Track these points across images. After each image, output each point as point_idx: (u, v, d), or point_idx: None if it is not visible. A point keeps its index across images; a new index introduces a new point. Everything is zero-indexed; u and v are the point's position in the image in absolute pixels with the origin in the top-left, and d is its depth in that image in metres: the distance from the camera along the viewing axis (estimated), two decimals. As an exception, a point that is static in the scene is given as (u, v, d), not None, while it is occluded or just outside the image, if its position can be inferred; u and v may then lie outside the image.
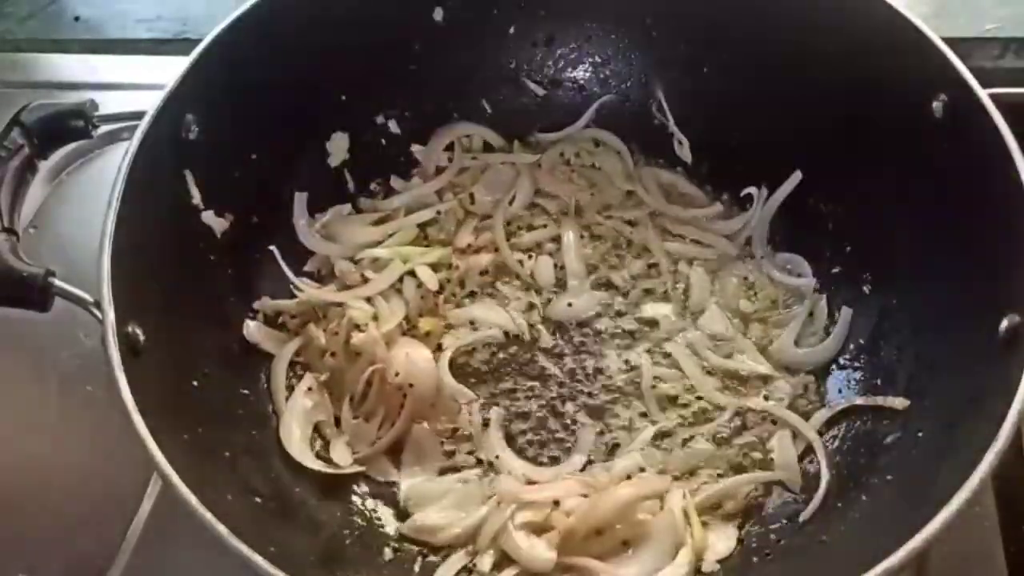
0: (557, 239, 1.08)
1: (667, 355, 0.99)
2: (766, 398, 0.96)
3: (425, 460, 0.93)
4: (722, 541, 0.87)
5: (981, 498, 0.87)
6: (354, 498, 0.91)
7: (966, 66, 0.85)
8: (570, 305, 1.02)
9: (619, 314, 1.03)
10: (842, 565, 0.73)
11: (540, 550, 0.83)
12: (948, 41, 0.87)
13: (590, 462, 0.92)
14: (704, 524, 0.87)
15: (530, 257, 1.07)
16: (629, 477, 0.90)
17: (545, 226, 1.10)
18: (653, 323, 1.02)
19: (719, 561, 0.85)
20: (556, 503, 0.86)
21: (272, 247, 1.02)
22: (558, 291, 1.05)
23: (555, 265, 1.06)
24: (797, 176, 1.05)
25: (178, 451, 0.72)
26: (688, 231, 1.09)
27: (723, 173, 1.11)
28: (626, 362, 0.99)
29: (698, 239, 1.09)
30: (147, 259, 0.83)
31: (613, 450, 0.93)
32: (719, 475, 0.91)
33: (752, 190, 1.08)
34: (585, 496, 0.87)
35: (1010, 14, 1.30)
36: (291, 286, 1.02)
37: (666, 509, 0.86)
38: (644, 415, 0.95)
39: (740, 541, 0.87)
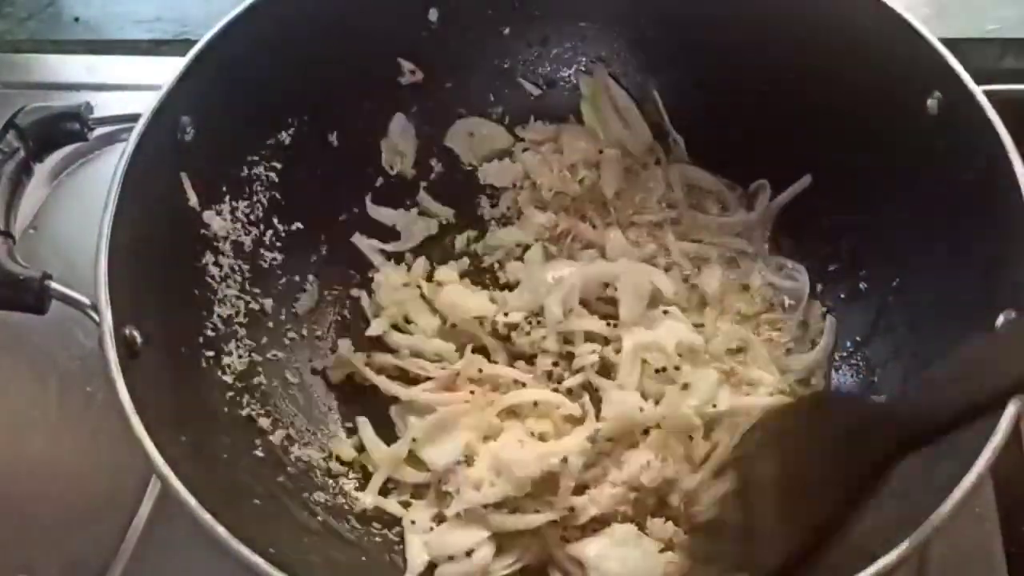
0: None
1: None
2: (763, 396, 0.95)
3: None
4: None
5: (981, 497, 0.87)
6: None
7: (966, 67, 0.84)
8: None
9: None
10: (842, 564, 0.73)
11: None
12: (948, 42, 0.86)
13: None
14: None
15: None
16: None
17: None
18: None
19: None
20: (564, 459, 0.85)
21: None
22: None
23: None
24: (806, 180, 1.04)
25: (177, 452, 0.72)
26: (704, 235, 1.08)
27: (721, 173, 1.11)
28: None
29: (710, 240, 1.08)
30: (144, 261, 0.83)
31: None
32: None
33: (757, 186, 1.08)
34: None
35: (1010, 15, 1.30)
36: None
37: None
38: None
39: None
